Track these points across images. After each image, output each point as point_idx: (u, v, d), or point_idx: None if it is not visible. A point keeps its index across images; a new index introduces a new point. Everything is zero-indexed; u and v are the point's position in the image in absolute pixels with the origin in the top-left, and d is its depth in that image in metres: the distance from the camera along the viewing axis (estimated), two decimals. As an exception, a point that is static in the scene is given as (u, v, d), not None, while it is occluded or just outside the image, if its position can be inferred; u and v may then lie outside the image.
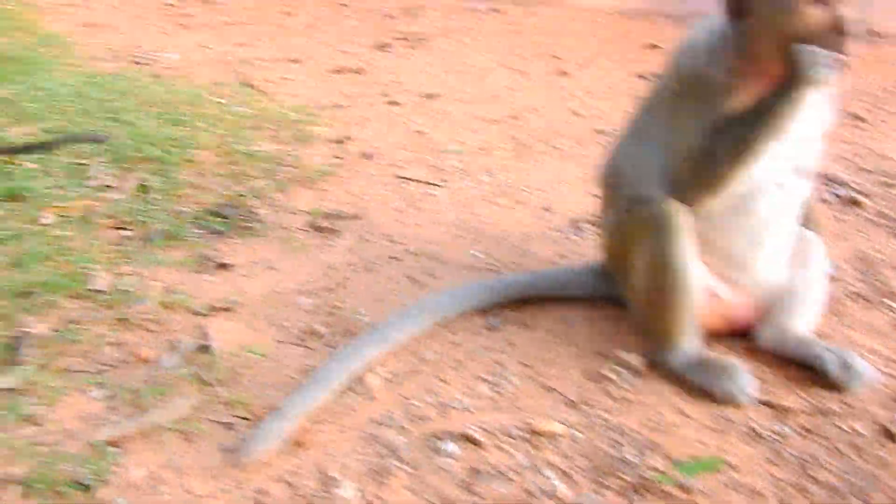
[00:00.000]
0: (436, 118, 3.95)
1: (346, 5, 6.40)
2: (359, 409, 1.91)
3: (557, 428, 1.85)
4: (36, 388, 1.93)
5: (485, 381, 2.01)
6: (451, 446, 1.79)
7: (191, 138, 3.44)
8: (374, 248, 2.67)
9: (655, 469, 1.73)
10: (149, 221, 2.76)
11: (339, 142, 3.60)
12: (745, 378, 1.95)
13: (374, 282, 2.46)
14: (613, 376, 2.02)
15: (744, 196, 1.98)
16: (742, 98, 1.91)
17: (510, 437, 1.83)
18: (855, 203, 3.04)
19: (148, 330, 2.18)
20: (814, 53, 1.82)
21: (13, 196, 2.85)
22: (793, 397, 1.96)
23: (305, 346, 2.14)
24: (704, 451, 1.79)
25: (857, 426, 1.88)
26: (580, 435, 1.83)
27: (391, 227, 2.82)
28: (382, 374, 2.02)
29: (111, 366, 2.03)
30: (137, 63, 4.69)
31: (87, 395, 1.92)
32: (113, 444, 1.76)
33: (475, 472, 1.73)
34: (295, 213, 2.90)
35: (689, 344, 2.03)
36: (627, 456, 1.77)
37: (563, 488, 1.69)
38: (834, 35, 1.83)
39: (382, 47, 5.21)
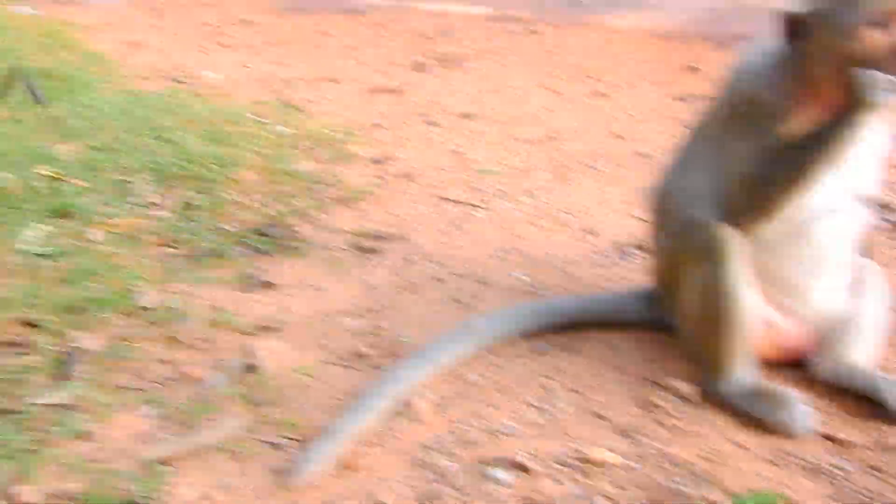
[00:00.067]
0: (474, 139, 3.95)
1: (382, 25, 6.45)
2: (407, 432, 1.90)
3: (609, 457, 1.81)
4: (88, 404, 1.94)
5: (533, 406, 1.99)
6: (502, 473, 1.77)
7: (233, 157, 3.48)
8: (417, 269, 2.66)
9: (713, 502, 1.69)
10: (194, 239, 2.79)
11: (379, 161, 3.61)
12: (803, 409, 1.91)
13: (417, 303, 2.45)
14: (664, 404, 1.98)
15: (800, 222, 1.95)
16: (798, 122, 1.89)
17: (561, 465, 1.80)
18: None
19: (196, 348, 2.19)
20: (873, 77, 1.79)
21: (62, 213, 2.90)
22: (853, 431, 1.91)
23: (351, 367, 2.14)
24: (763, 484, 1.74)
25: (921, 463, 1.82)
26: (633, 465, 1.80)
27: (433, 248, 2.81)
28: (430, 398, 2.00)
29: (160, 384, 2.04)
30: (179, 82, 4.76)
31: (137, 413, 1.93)
32: (164, 462, 1.76)
33: (527, 500, 1.70)
34: (337, 233, 2.91)
35: (742, 373, 1.99)
36: (682, 488, 1.73)
37: (617, 519, 1.66)
38: (894, 59, 1.80)
39: (419, 68, 5.23)
